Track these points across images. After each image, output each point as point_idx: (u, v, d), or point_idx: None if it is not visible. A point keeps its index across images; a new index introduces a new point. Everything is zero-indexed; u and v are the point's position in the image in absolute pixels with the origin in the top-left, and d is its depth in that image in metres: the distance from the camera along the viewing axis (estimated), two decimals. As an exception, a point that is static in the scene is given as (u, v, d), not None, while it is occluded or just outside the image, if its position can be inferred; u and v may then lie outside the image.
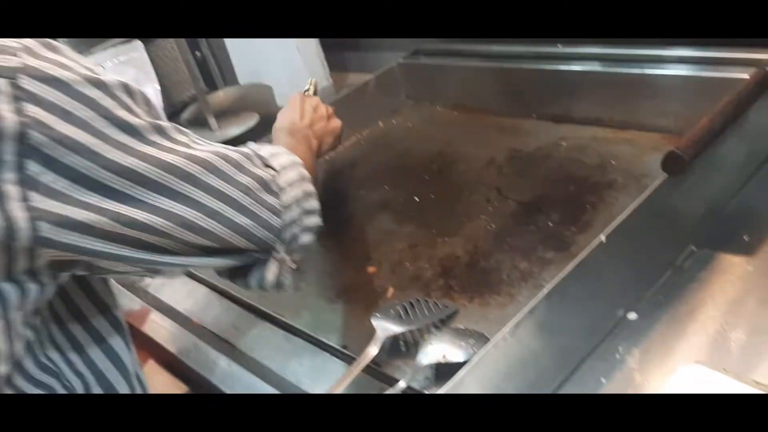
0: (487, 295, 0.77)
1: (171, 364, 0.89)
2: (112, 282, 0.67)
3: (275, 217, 0.62)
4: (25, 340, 0.54)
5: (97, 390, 0.61)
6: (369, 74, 1.29)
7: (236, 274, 0.64)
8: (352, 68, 1.53)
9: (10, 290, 0.48)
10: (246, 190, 0.59)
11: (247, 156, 0.62)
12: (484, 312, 0.74)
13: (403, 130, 1.24)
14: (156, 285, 1.00)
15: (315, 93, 1.04)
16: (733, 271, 0.70)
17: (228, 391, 0.77)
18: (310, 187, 0.68)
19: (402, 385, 0.66)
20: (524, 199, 0.92)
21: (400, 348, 0.73)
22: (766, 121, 0.81)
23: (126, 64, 1.31)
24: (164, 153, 0.52)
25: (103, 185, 0.48)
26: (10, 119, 0.44)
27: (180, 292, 0.97)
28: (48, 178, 0.46)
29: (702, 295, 0.69)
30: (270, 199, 0.62)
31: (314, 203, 0.68)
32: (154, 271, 0.58)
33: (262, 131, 1.27)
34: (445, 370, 0.65)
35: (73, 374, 0.60)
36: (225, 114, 1.33)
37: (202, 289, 0.96)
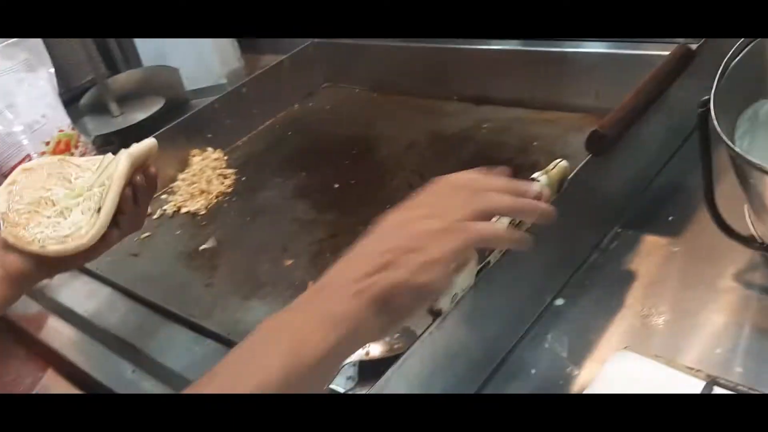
0: (411, 286, 0.73)
1: (72, 373, 0.81)
2: None
3: None
4: None
5: None
6: (282, 55, 1.23)
7: None
8: (265, 50, 1.46)
9: None
10: None
11: None
12: (409, 303, 0.70)
13: (321, 113, 1.18)
14: (53, 286, 0.92)
15: None
16: (658, 252, 0.69)
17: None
18: None
19: None
20: (447, 183, 0.88)
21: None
22: (687, 99, 0.79)
23: (16, 46, 1.20)
24: None
25: None
26: None
27: (80, 292, 0.89)
28: None
29: (628, 278, 0.67)
30: None
31: None
32: None
33: (167, 116, 1.19)
34: (368, 368, 0.61)
35: None
36: (128, 98, 1.24)
37: (105, 290, 0.88)
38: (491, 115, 1.01)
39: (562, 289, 0.67)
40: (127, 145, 0.68)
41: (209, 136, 1.10)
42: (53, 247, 0.60)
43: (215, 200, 0.99)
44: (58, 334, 0.84)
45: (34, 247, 0.60)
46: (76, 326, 0.84)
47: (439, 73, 1.10)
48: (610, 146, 0.67)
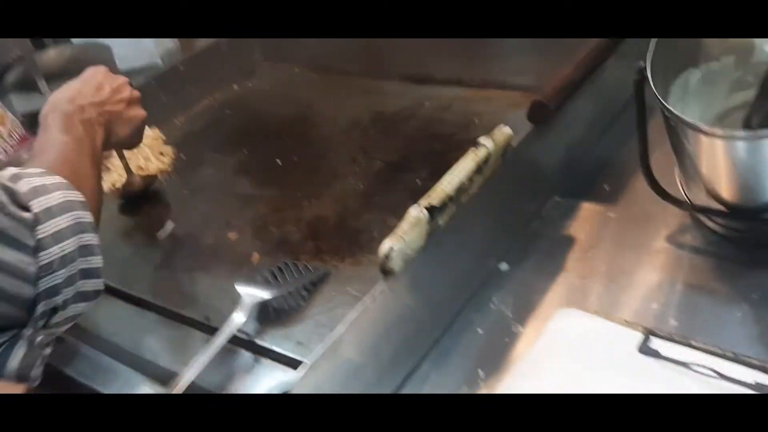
0: (359, 255, 0.73)
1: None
2: None
3: (24, 285, 0.46)
4: None
5: None
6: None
7: None
8: (201, 31, 1.43)
9: None
10: None
11: None
12: (358, 272, 0.71)
13: (261, 93, 1.17)
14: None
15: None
16: (595, 218, 0.72)
17: (77, 376, 0.68)
18: (89, 239, 0.51)
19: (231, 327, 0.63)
20: (391, 158, 0.89)
21: (269, 316, 0.68)
22: (619, 75, 0.83)
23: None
24: None
25: None
26: None
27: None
28: None
29: (568, 242, 0.70)
30: (13, 257, 0.45)
31: (95, 260, 0.51)
32: None
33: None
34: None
35: None
36: (57, 76, 1.19)
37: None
38: (432, 93, 1.02)
39: (506, 254, 0.69)
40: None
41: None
42: None
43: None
44: None
45: None
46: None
47: (378, 53, 1.11)
48: (550, 116, 0.69)
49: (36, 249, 0.46)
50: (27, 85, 1.17)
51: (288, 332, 0.65)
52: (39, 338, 0.47)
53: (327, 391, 0.52)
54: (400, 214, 0.77)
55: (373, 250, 0.72)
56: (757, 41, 0.62)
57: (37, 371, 0.48)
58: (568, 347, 0.58)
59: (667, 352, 0.54)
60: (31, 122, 1.15)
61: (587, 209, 0.73)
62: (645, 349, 0.55)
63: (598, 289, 0.64)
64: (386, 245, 0.54)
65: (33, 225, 0.47)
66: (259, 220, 0.83)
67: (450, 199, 0.58)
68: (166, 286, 0.76)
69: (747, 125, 0.58)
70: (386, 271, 0.55)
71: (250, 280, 0.70)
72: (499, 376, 0.57)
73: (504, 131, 0.63)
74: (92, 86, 0.70)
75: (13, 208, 0.47)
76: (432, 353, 0.61)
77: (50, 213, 0.49)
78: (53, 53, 1.23)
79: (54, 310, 0.48)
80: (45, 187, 0.50)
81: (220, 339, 0.62)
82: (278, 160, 0.95)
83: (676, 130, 0.56)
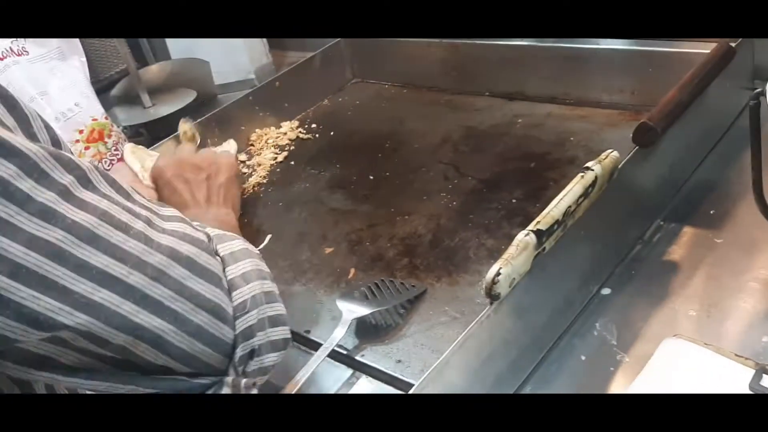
0: (454, 274, 0.74)
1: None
2: None
3: (225, 326, 0.46)
4: None
5: None
6: (309, 52, 1.23)
7: None
8: (291, 47, 1.47)
9: None
10: (158, 275, 0.42)
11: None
12: (454, 291, 0.71)
13: (351, 108, 1.19)
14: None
15: (193, 138, 1.00)
16: (701, 244, 0.70)
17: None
18: (270, 286, 0.51)
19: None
20: (484, 176, 0.89)
21: (367, 331, 0.69)
22: (726, 96, 0.81)
23: (48, 35, 1.21)
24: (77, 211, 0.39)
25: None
26: None
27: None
28: None
29: (672, 268, 0.68)
30: (216, 295, 0.45)
31: (280, 308, 0.51)
32: None
33: (198, 109, 1.20)
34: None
35: None
36: (158, 90, 1.25)
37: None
38: (524, 110, 1.02)
39: (608, 279, 0.68)
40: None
41: (242, 128, 1.11)
42: None
43: (251, 190, 1.00)
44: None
45: None
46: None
47: (469, 69, 1.11)
48: (658, 138, 0.68)
49: (229, 289, 0.47)
50: (130, 99, 1.23)
51: (387, 350, 0.66)
52: (242, 382, 0.47)
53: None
54: (495, 233, 0.78)
55: (469, 270, 0.74)
56: None
57: None
58: (673, 380, 0.57)
59: (782, 391, 0.52)
60: (133, 134, 1.21)
61: (691, 234, 0.72)
62: (756, 387, 0.54)
63: (702, 317, 0.62)
64: (494, 270, 0.54)
65: (223, 267, 0.48)
66: (354, 235, 0.85)
67: (557, 224, 0.58)
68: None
69: None
70: (492, 296, 0.55)
71: (349, 296, 0.71)
72: (604, 405, 0.56)
73: (612, 156, 0.62)
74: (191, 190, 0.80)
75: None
76: (533, 378, 0.61)
77: (235, 257, 0.49)
78: (155, 68, 1.29)
79: (251, 355, 0.48)
80: (225, 235, 0.52)
81: (323, 353, 0.64)
82: (371, 176, 0.96)
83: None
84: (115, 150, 1.10)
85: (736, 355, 0.57)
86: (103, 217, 0.39)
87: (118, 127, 1.17)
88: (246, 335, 0.47)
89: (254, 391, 0.48)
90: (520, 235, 0.56)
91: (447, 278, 0.73)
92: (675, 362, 0.58)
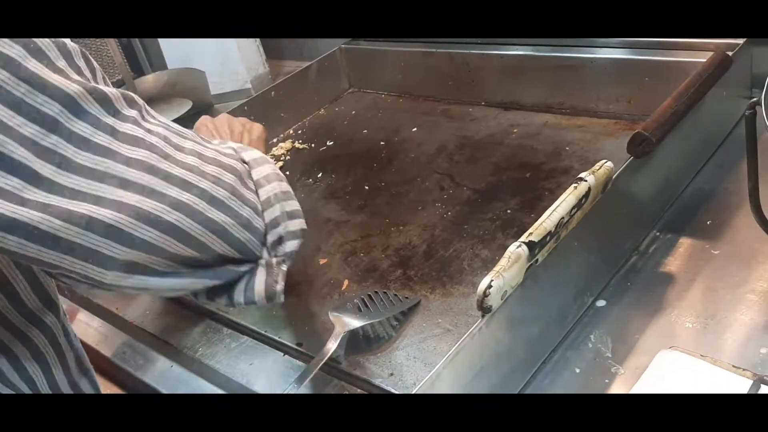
0: (448, 285, 0.73)
1: (104, 368, 0.81)
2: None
3: (256, 216, 0.53)
4: None
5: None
6: (306, 62, 1.23)
7: (217, 292, 0.54)
8: (288, 56, 1.47)
9: None
10: (216, 180, 0.50)
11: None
12: (448, 303, 0.71)
13: (347, 118, 1.19)
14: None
15: None
16: (698, 255, 0.69)
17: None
18: (287, 186, 0.58)
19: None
20: (479, 186, 0.89)
21: (360, 343, 0.68)
22: (723, 105, 0.81)
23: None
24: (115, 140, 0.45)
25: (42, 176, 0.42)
26: None
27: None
28: None
29: (668, 279, 0.67)
30: (247, 193, 0.52)
31: (295, 204, 0.58)
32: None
33: (194, 118, 1.18)
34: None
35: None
36: (155, 100, 1.24)
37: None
38: (520, 120, 1.01)
39: (603, 290, 0.68)
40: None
41: (237, 137, 1.10)
42: None
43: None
44: (89, 329, 0.84)
45: None
46: (108, 321, 0.84)
47: (465, 79, 1.11)
48: (653, 148, 0.67)
49: (256, 187, 0.54)
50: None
51: (380, 362, 0.66)
52: (274, 260, 0.54)
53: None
54: (489, 244, 0.77)
55: (463, 281, 0.73)
56: None
57: (280, 286, 0.55)
58: (669, 391, 0.56)
59: (781, 403, 0.51)
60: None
61: (688, 245, 0.71)
62: (755, 398, 0.53)
63: (698, 328, 0.61)
64: (485, 282, 0.53)
65: (248, 170, 0.55)
66: (348, 245, 0.84)
67: (549, 235, 0.57)
68: (261, 311, 0.77)
69: None
70: (484, 309, 0.54)
71: (342, 308, 0.70)
72: (599, 419, 0.55)
73: (606, 166, 0.61)
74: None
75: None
76: (527, 391, 0.60)
77: (257, 162, 0.57)
78: (151, 78, 1.29)
79: (279, 241, 0.55)
80: (245, 147, 0.59)
81: (314, 367, 0.63)
82: (366, 186, 0.96)
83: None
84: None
85: (733, 366, 0.56)
86: (167, 140, 0.48)
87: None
88: (273, 224, 0.54)
89: (284, 268, 0.55)
90: (512, 247, 0.55)
91: (441, 289, 0.73)
92: (671, 374, 0.57)
